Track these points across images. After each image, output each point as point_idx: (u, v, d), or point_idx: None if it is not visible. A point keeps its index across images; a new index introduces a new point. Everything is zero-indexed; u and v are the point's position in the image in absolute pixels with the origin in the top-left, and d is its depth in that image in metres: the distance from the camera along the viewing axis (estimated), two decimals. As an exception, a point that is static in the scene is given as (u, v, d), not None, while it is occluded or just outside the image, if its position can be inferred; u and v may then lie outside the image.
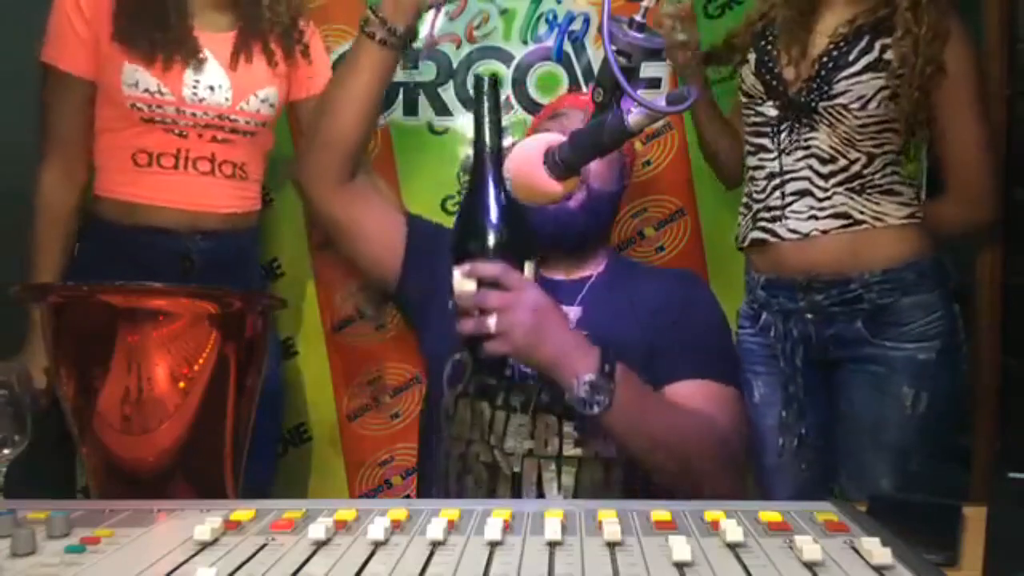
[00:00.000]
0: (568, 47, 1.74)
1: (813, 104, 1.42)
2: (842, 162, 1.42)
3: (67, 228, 1.47)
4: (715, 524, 0.65)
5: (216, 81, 1.46)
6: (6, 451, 0.90)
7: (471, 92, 1.73)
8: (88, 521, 0.70)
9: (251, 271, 1.63)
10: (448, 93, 1.75)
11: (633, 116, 0.83)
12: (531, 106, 1.74)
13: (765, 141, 1.49)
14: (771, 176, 1.48)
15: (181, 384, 0.84)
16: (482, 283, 1.01)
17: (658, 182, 1.76)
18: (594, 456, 1.21)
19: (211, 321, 0.86)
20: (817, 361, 1.49)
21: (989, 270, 1.64)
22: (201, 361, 0.85)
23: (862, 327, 1.43)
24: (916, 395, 1.40)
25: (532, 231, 1.11)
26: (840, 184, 1.43)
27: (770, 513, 0.67)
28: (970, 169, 1.44)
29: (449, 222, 1.31)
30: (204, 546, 0.63)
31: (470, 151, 1.11)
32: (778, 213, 1.47)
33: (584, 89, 1.73)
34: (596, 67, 1.71)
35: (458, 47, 1.74)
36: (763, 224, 1.49)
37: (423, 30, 1.50)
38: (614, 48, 0.81)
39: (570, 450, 1.21)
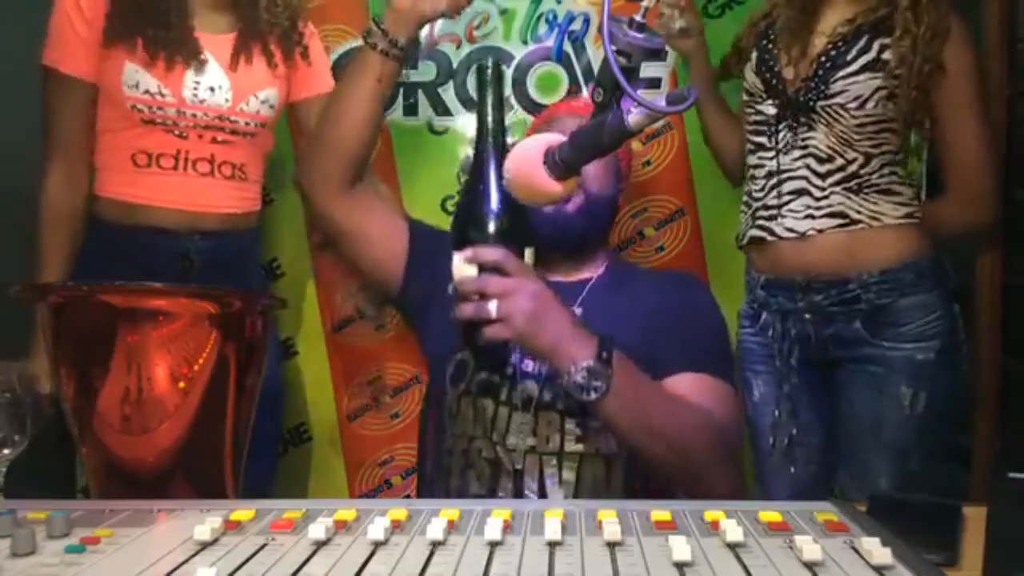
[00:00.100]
0: (568, 47, 1.75)
1: (811, 103, 1.42)
2: (839, 162, 1.42)
3: (72, 231, 1.47)
4: (715, 524, 0.65)
5: (216, 82, 1.46)
6: (6, 451, 0.90)
7: (471, 92, 1.73)
8: (88, 521, 0.70)
9: (251, 271, 1.63)
10: (448, 93, 1.75)
11: (633, 116, 0.83)
12: (531, 106, 1.74)
13: (764, 140, 1.49)
14: (770, 175, 1.48)
15: (181, 384, 0.84)
16: (483, 268, 1.02)
17: (658, 182, 1.76)
18: (595, 452, 1.22)
19: (211, 321, 0.86)
20: (816, 361, 1.49)
21: (989, 270, 1.64)
22: (201, 361, 0.85)
23: (861, 327, 1.43)
24: (915, 395, 1.40)
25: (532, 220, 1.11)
26: (837, 184, 1.43)
27: (770, 513, 0.67)
28: (970, 169, 1.44)
29: (449, 223, 1.31)
30: (204, 546, 0.63)
31: (470, 151, 1.11)
32: (775, 212, 1.47)
33: (584, 89, 1.74)
34: (596, 67, 1.71)
35: (458, 47, 1.74)
36: (761, 223, 1.49)
37: (423, 30, 1.50)
38: (614, 48, 0.81)
39: (572, 446, 1.22)
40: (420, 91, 1.75)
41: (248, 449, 0.92)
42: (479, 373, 1.28)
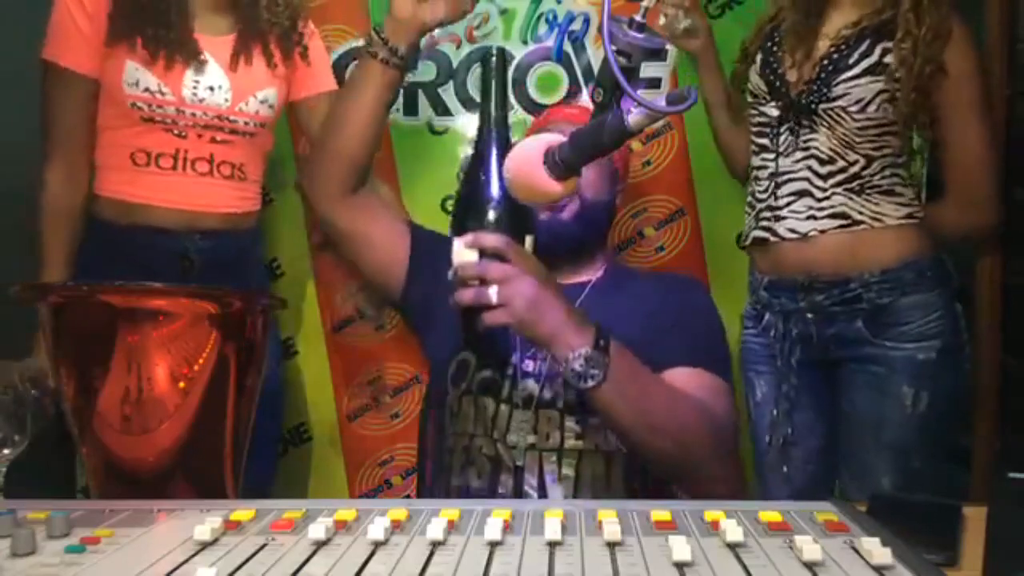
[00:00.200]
0: (568, 47, 1.75)
1: (813, 106, 1.42)
2: (841, 163, 1.42)
3: (73, 226, 1.47)
4: (715, 524, 0.65)
5: (216, 82, 1.46)
6: (6, 451, 0.90)
7: (471, 92, 1.73)
8: (88, 521, 0.70)
9: (252, 271, 1.63)
10: (448, 93, 1.75)
11: (633, 116, 0.83)
12: (531, 106, 1.74)
13: (766, 141, 1.50)
14: (772, 176, 1.48)
15: (181, 384, 0.84)
16: (483, 254, 1.02)
17: (658, 182, 1.76)
18: (595, 449, 1.23)
19: (211, 321, 0.86)
20: (818, 361, 1.49)
21: (989, 270, 1.64)
22: (201, 361, 0.85)
23: (862, 327, 1.43)
24: (916, 395, 1.40)
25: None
26: (839, 185, 1.43)
27: (770, 513, 0.67)
28: (972, 171, 1.44)
29: (448, 222, 1.32)
30: (204, 546, 0.63)
31: (470, 150, 1.11)
32: (778, 213, 1.47)
33: (584, 89, 1.74)
34: (596, 67, 1.71)
35: (458, 47, 1.74)
36: (764, 224, 1.49)
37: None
38: (614, 48, 0.81)
39: (571, 443, 1.23)
40: (420, 91, 1.75)
41: (248, 449, 0.92)
42: (480, 372, 1.28)
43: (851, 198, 1.42)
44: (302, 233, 1.77)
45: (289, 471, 1.76)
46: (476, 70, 1.73)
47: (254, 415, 0.92)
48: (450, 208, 1.74)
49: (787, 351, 1.49)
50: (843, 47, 1.42)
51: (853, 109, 1.40)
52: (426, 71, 1.74)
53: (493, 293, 0.99)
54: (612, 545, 0.61)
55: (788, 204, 1.46)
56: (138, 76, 1.42)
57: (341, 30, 1.73)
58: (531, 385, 1.25)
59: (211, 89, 1.46)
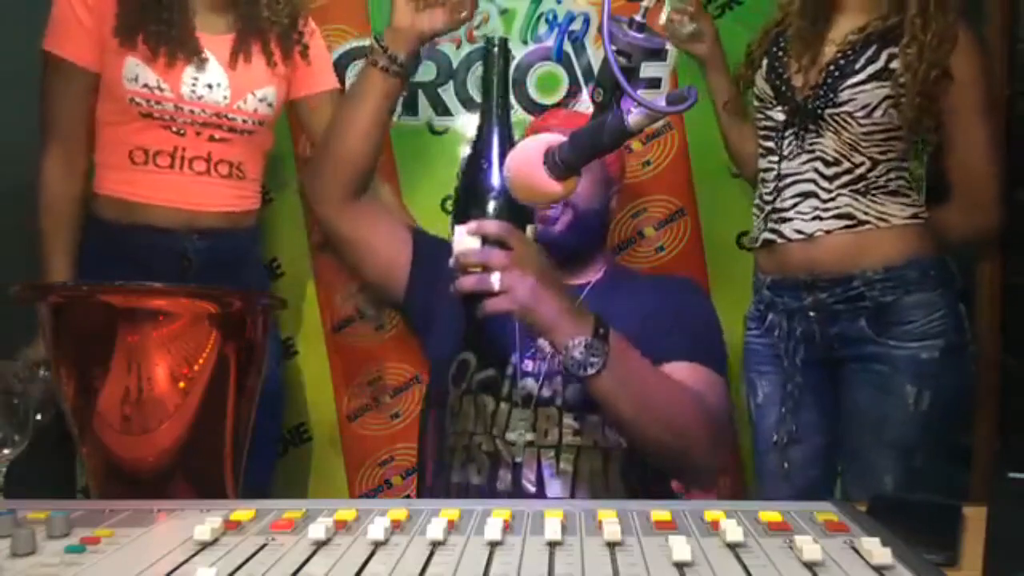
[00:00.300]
0: (568, 47, 1.75)
1: (819, 111, 1.43)
2: (846, 165, 1.43)
3: (74, 219, 1.47)
4: (715, 524, 0.65)
5: (214, 79, 1.46)
6: (6, 451, 0.90)
7: (471, 92, 1.73)
8: (88, 521, 0.69)
9: (252, 270, 1.63)
10: (448, 93, 1.75)
11: (633, 116, 0.83)
12: (531, 106, 1.74)
13: (772, 144, 1.50)
14: (778, 178, 1.49)
15: (181, 384, 0.84)
16: (486, 241, 1.02)
17: (658, 182, 1.76)
18: (593, 445, 1.24)
19: (211, 321, 0.86)
20: (821, 360, 1.49)
21: (989, 271, 1.64)
22: (201, 361, 0.85)
23: (865, 326, 1.43)
24: (919, 393, 1.40)
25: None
26: (844, 186, 1.43)
27: (770, 513, 0.67)
28: (977, 174, 1.44)
29: (448, 223, 1.32)
30: (204, 546, 0.63)
31: (470, 151, 1.11)
32: (784, 215, 1.47)
33: (584, 89, 1.74)
34: (596, 67, 1.71)
35: (458, 47, 1.74)
36: (772, 225, 1.50)
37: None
38: (614, 48, 0.81)
39: (570, 439, 1.24)
40: (420, 91, 1.75)
41: (248, 449, 0.92)
42: (480, 372, 1.28)
43: (856, 199, 1.43)
44: (302, 233, 1.77)
45: (289, 471, 1.76)
46: (476, 70, 1.73)
47: (254, 415, 0.92)
48: (450, 208, 1.74)
49: (791, 350, 1.50)
50: (849, 53, 1.42)
51: (859, 114, 1.40)
52: (426, 71, 1.74)
53: (495, 280, 0.99)
54: (612, 545, 0.61)
55: (794, 205, 1.47)
56: (137, 72, 1.42)
57: (341, 30, 1.73)
58: (530, 384, 1.26)
59: (209, 86, 1.46)
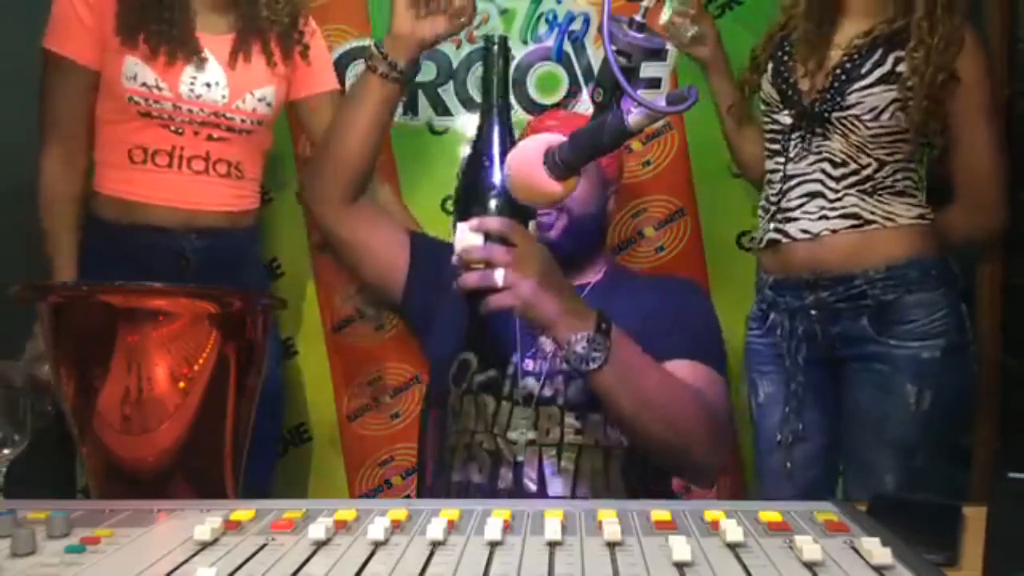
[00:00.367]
0: (568, 47, 1.75)
1: (826, 114, 1.43)
2: (853, 166, 1.43)
3: (74, 214, 1.47)
4: (715, 524, 0.65)
5: (213, 79, 1.46)
6: (6, 451, 0.90)
7: (471, 92, 1.73)
8: (88, 521, 0.70)
9: (251, 270, 1.63)
10: (448, 93, 1.75)
11: (633, 116, 0.83)
12: (531, 106, 1.74)
13: (779, 147, 1.50)
14: (785, 179, 1.49)
15: (181, 384, 0.84)
16: (488, 238, 1.02)
17: (658, 182, 1.76)
18: (594, 444, 1.24)
19: (211, 321, 0.86)
20: (823, 360, 1.49)
21: (989, 271, 1.64)
22: (201, 361, 0.85)
23: (867, 325, 1.43)
24: (920, 393, 1.40)
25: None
26: (851, 186, 1.44)
27: (770, 513, 0.67)
28: (981, 176, 1.44)
29: (449, 223, 1.32)
30: (204, 546, 0.63)
31: (470, 150, 1.11)
32: (790, 215, 1.48)
33: (584, 89, 1.74)
34: (596, 67, 1.71)
35: (458, 47, 1.74)
36: (777, 225, 1.50)
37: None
38: (614, 48, 0.81)
39: (571, 438, 1.24)
40: (420, 91, 1.75)
41: (248, 449, 0.92)
42: (481, 372, 1.28)
43: (864, 199, 1.43)
44: (302, 233, 1.77)
45: (289, 471, 1.76)
46: (476, 70, 1.73)
47: (254, 415, 0.92)
48: (450, 208, 1.74)
49: (793, 349, 1.50)
50: (856, 56, 1.42)
51: (867, 117, 1.41)
52: (426, 71, 1.74)
53: (498, 276, 0.99)
54: (612, 545, 0.61)
55: (800, 205, 1.47)
56: (136, 70, 1.42)
57: (341, 30, 1.73)
58: (531, 383, 1.26)
59: (208, 86, 1.46)
